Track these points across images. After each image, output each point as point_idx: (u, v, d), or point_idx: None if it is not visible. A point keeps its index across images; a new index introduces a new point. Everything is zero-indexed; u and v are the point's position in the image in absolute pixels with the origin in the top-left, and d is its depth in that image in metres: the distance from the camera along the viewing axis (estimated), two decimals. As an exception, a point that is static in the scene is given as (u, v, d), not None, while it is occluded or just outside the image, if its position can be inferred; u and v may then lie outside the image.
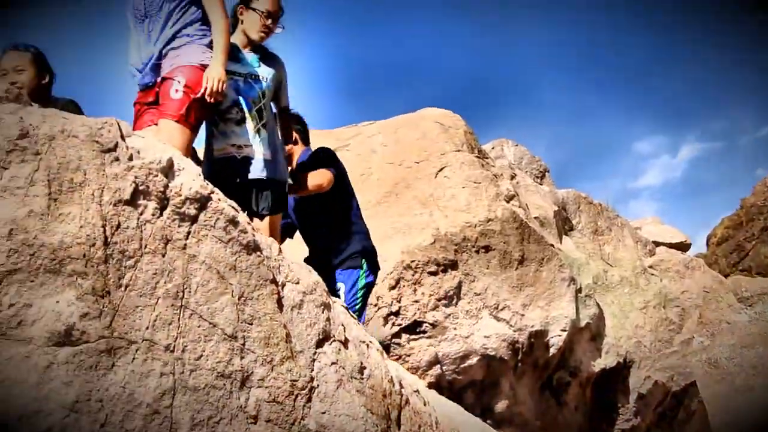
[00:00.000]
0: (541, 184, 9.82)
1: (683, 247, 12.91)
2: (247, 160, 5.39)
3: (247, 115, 5.44)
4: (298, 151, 6.47)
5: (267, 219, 5.67)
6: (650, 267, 9.69)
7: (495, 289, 7.37)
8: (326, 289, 4.55)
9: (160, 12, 5.19)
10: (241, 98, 5.43)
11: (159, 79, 5.18)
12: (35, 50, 5.49)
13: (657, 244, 10.96)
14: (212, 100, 5.06)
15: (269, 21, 5.59)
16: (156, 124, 5.12)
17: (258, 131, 5.46)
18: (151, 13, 5.22)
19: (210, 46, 5.21)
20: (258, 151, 5.42)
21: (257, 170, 5.41)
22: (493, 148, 10.21)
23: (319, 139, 8.53)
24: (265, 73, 5.61)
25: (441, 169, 7.68)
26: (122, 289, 3.48)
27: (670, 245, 11.71)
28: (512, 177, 8.82)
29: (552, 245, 7.95)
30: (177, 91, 5.02)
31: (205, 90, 5.00)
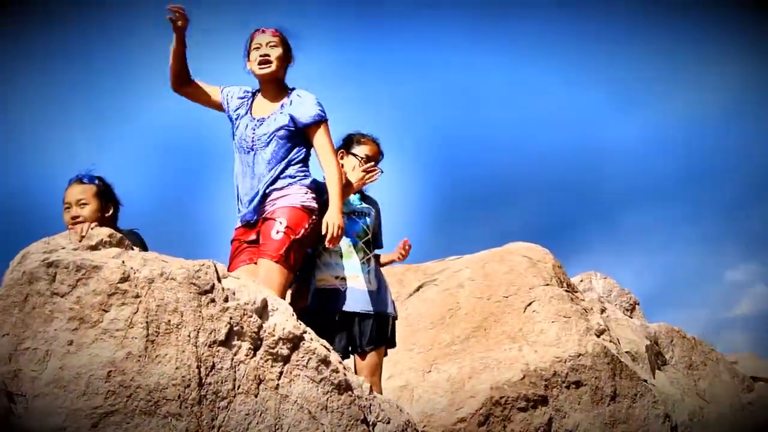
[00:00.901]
0: (631, 317, 9.64)
1: (782, 382, 12.47)
2: (352, 292, 5.47)
3: (352, 248, 5.56)
4: None
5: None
6: (749, 404, 9.37)
7: (587, 426, 7.20)
8: (416, 427, 4.51)
9: (266, 148, 5.38)
10: (345, 232, 5.52)
11: (261, 219, 5.31)
12: (100, 182, 5.54)
13: (755, 379, 10.61)
14: (331, 245, 5.22)
15: (369, 166, 5.75)
16: (254, 263, 5.23)
17: (364, 263, 5.57)
18: (257, 148, 5.40)
19: (311, 186, 5.37)
20: (364, 283, 5.52)
21: (363, 302, 5.49)
22: (581, 280, 10.08)
23: (408, 273, 8.57)
24: (366, 209, 5.78)
25: (530, 304, 7.62)
26: (215, 430, 3.50)
27: (769, 381, 11.34)
28: (602, 311, 8.69)
29: (645, 381, 7.74)
30: (278, 232, 5.17)
31: (327, 236, 5.14)
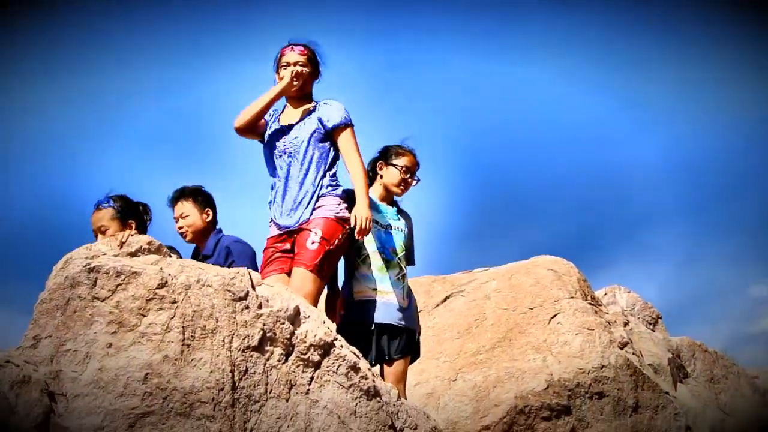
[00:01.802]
0: (653, 331, 9.66)
1: (806, 397, 12.43)
2: (385, 305, 5.62)
3: (389, 263, 5.72)
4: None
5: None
6: (770, 418, 9.38)
7: (609, 437, 7.24)
8: (443, 434, 4.59)
9: (299, 151, 5.55)
10: (382, 246, 5.74)
11: (296, 228, 5.44)
12: (115, 203, 5.71)
13: (776, 393, 10.59)
14: (361, 237, 5.38)
15: (408, 176, 5.91)
16: (285, 273, 5.37)
17: (399, 279, 5.71)
18: (289, 152, 5.57)
19: (341, 196, 5.53)
20: (397, 298, 5.67)
21: (394, 317, 5.64)
22: (605, 294, 10.10)
23: (436, 284, 8.66)
24: (403, 226, 5.94)
25: (554, 316, 7.66)
26: (248, 432, 3.60)
27: (792, 395, 11.31)
28: (625, 324, 8.71)
29: (667, 393, 7.77)
30: (313, 242, 5.32)
31: (356, 228, 5.30)
